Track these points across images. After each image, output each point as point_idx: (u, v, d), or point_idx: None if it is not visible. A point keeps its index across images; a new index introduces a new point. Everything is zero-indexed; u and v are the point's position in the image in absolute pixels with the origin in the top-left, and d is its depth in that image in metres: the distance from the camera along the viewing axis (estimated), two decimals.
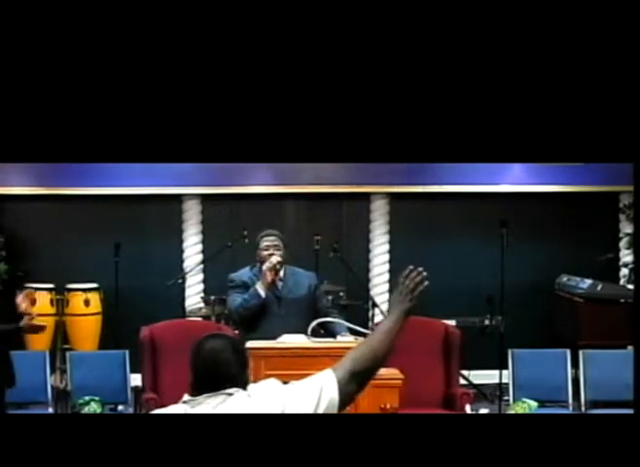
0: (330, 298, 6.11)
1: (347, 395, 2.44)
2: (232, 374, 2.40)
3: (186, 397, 2.42)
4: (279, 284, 5.13)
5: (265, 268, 5.04)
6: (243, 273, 5.22)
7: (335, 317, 5.05)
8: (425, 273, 2.56)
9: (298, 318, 4.98)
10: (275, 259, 5.04)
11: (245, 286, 5.11)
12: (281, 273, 5.15)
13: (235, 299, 5.10)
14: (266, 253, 5.09)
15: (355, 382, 2.45)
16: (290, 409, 2.35)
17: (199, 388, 2.41)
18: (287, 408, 2.35)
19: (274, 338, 4.81)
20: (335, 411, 2.41)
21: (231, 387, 2.38)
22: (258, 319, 5.04)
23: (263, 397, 2.38)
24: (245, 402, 2.36)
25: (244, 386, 2.42)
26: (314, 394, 2.39)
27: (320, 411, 2.38)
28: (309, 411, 2.37)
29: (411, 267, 2.58)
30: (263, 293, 5.03)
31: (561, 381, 6.03)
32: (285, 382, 2.48)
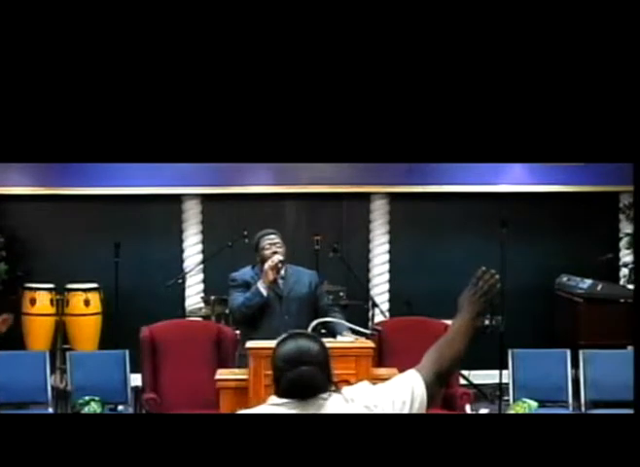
0: (330, 298, 6.11)
1: (432, 395, 2.48)
2: (322, 386, 2.40)
3: (276, 399, 2.41)
4: (280, 283, 5.14)
5: (266, 266, 5.04)
6: (245, 273, 5.22)
7: (336, 315, 5.05)
8: (498, 276, 2.56)
9: (299, 316, 4.99)
10: (277, 257, 5.06)
11: (247, 285, 5.12)
12: (282, 272, 5.16)
13: (237, 297, 5.11)
14: (268, 252, 5.10)
15: (437, 383, 2.50)
16: (388, 411, 2.39)
17: (289, 396, 2.40)
18: (385, 411, 2.39)
19: (276, 336, 4.79)
20: (424, 410, 2.46)
21: (326, 391, 2.39)
22: (259, 318, 5.05)
23: (361, 402, 2.40)
24: (344, 406, 2.38)
25: (336, 388, 2.43)
26: (407, 395, 2.43)
27: (414, 410, 2.42)
28: (405, 411, 2.41)
29: (484, 268, 2.59)
30: (265, 291, 5.03)
31: (561, 381, 6.03)
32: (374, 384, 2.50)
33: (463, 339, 2.55)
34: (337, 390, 2.43)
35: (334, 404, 2.38)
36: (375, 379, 4.44)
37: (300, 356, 2.40)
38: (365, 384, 2.51)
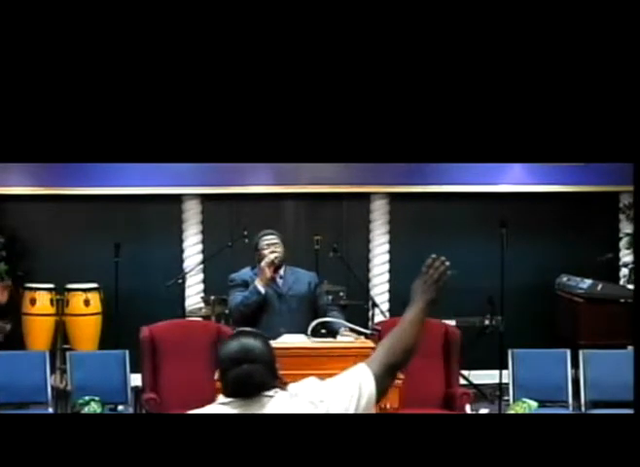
0: (330, 298, 6.11)
1: (383, 388, 2.46)
2: (267, 384, 2.39)
3: (222, 398, 2.41)
4: (279, 281, 5.17)
5: (263, 264, 5.07)
6: (244, 273, 5.25)
7: (335, 315, 5.06)
8: (448, 263, 2.55)
9: (298, 314, 5.01)
10: (273, 255, 5.08)
11: (245, 285, 5.14)
12: (282, 272, 5.18)
13: (236, 297, 5.13)
14: (267, 251, 5.12)
15: (389, 375, 2.47)
16: (334, 407, 2.36)
17: (233, 395, 2.40)
18: (331, 407, 2.36)
19: (275, 333, 4.83)
20: (372, 405, 2.43)
21: (271, 389, 2.38)
22: (259, 315, 5.07)
23: (305, 397, 2.38)
24: (288, 402, 2.37)
25: (282, 385, 2.42)
26: (355, 390, 2.40)
27: (362, 405, 2.39)
28: (352, 407, 2.38)
29: (434, 255, 2.58)
30: (262, 289, 5.05)
31: (561, 381, 6.03)
32: (322, 379, 2.48)
33: (415, 329, 2.50)
34: (284, 387, 2.42)
35: (279, 401, 2.37)
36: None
37: (242, 355, 2.39)
38: (311, 380, 2.48)
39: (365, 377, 2.43)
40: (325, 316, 4.97)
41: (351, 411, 2.38)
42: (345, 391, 2.40)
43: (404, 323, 2.52)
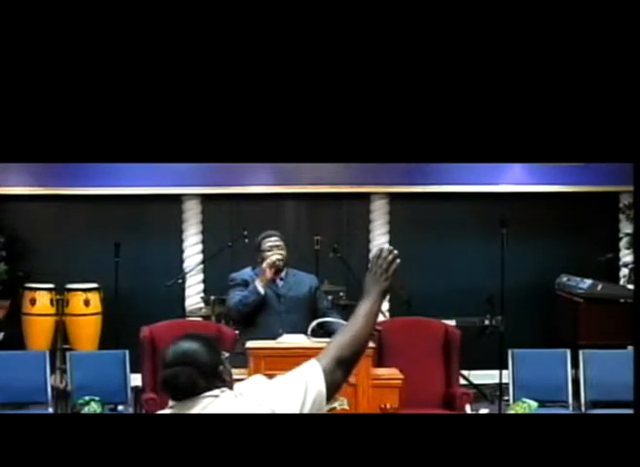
0: (330, 298, 6.12)
1: (334, 383, 2.43)
2: (197, 385, 2.38)
3: (171, 403, 2.41)
4: (279, 283, 5.17)
5: (264, 264, 5.07)
6: (244, 273, 5.25)
7: (334, 318, 5.06)
8: (396, 252, 2.55)
9: (298, 315, 5.01)
10: (275, 257, 5.08)
11: (246, 285, 5.14)
12: (282, 274, 5.18)
13: (235, 296, 5.13)
14: (269, 253, 5.12)
15: (341, 370, 2.44)
16: (278, 405, 2.34)
17: (171, 398, 2.41)
18: (274, 405, 2.34)
19: (274, 334, 4.83)
20: (323, 401, 2.40)
21: (209, 390, 2.37)
22: (258, 315, 5.07)
23: (250, 396, 2.37)
24: (233, 402, 2.36)
25: (228, 386, 2.41)
26: (301, 388, 2.37)
27: (308, 403, 2.36)
28: (297, 405, 2.35)
29: (383, 247, 2.58)
30: (262, 290, 5.05)
31: (561, 381, 6.03)
32: (270, 377, 2.47)
33: (367, 321, 2.49)
34: (230, 387, 2.41)
35: (223, 401, 2.35)
36: (375, 379, 4.46)
37: (174, 357, 2.40)
38: (257, 378, 2.47)
39: (313, 373, 2.40)
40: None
41: (296, 409, 2.35)
42: (292, 391, 2.37)
43: (356, 316, 2.51)
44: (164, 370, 2.40)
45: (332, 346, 2.47)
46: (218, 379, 2.40)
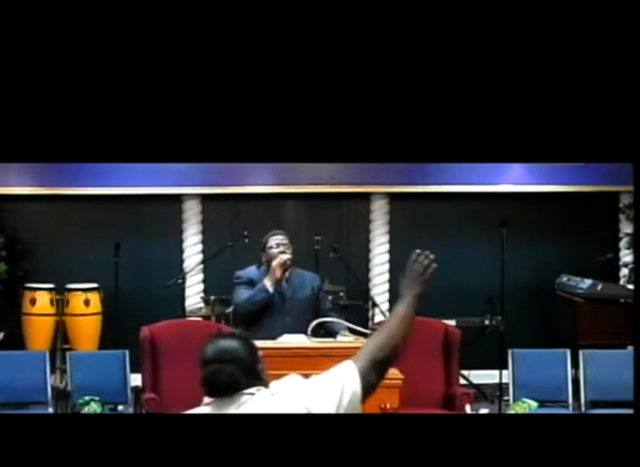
0: (330, 298, 6.12)
1: (369, 385, 2.44)
2: (238, 382, 2.38)
3: (207, 399, 2.41)
4: (284, 284, 5.17)
5: (275, 263, 5.08)
6: (250, 271, 5.26)
7: (335, 319, 5.07)
8: (433, 256, 2.55)
9: (300, 317, 5.01)
10: (286, 256, 5.10)
11: (251, 283, 5.16)
12: (287, 274, 5.19)
13: (242, 293, 5.14)
14: (276, 251, 5.13)
15: (376, 372, 2.46)
16: (314, 405, 2.35)
17: (209, 395, 2.41)
18: (311, 405, 2.35)
19: (276, 335, 4.83)
20: (358, 402, 2.41)
21: (248, 388, 2.38)
22: (261, 315, 5.08)
23: (286, 395, 2.38)
24: (269, 400, 2.36)
25: (265, 384, 2.42)
26: (337, 388, 2.39)
27: (344, 403, 2.37)
28: (333, 405, 2.36)
29: (418, 250, 2.58)
30: (271, 288, 5.07)
31: (561, 381, 6.03)
32: (306, 377, 2.47)
33: (404, 325, 2.51)
34: (266, 385, 2.42)
35: (259, 399, 2.36)
36: None
37: (214, 355, 2.41)
38: (293, 377, 2.48)
39: (349, 374, 2.42)
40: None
41: (332, 409, 2.36)
42: (328, 390, 2.39)
43: (393, 319, 2.54)
44: (204, 367, 2.40)
45: (367, 349, 2.50)
46: (256, 377, 2.41)
